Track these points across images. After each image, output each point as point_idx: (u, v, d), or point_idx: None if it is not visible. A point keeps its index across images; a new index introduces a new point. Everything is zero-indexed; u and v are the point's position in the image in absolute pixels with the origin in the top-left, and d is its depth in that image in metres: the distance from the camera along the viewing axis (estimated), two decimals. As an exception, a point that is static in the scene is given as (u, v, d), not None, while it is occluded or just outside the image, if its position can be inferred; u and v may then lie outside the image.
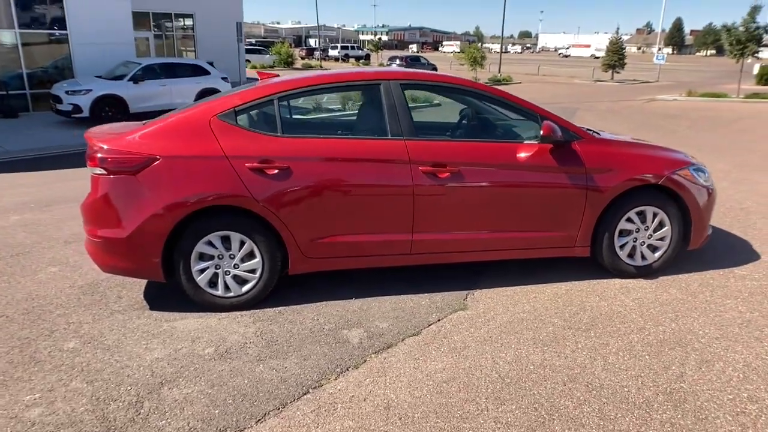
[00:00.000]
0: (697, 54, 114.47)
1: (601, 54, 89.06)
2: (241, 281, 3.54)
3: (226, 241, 3.44)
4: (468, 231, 3.68)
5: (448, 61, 46.42)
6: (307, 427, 2.42)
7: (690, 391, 2.64)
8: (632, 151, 3.89)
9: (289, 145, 3.44)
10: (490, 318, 3.42)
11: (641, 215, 3.85)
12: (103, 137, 3.47)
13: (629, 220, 3.84)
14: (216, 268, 3.48)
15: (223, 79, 14.52)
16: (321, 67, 42.09)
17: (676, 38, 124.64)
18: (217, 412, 2.54)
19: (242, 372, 2.85)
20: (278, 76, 4.27)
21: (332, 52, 55.38)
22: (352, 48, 57.95)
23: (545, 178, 3.67)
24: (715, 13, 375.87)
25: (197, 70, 14.24)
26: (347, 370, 2.87)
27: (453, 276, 3.99)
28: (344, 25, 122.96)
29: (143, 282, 3.98)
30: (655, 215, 3.86)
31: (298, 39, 65.30)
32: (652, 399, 2.59)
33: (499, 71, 34.29)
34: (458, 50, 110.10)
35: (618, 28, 39.32)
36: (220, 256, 3.46)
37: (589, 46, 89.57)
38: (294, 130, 3.67)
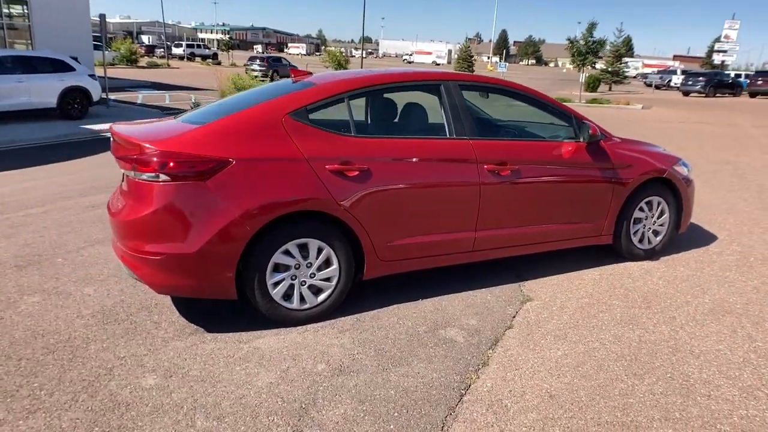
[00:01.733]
0: (521, 63, 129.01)
1: (442, 61, 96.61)
2: (316, 291, 3.34)
3: (303, 249, 3.22)
4: (520, 226, 3.89)
5: (301, 63, 46.26)
6: (496, 427, 2.42)
7: (765, 348, 3.17)
8: (643, 149, 4.44)
9: (365, 146, 3.34)
10: (561, 306, 3.67)
11: (649, 204, 4.43)
12: (152, 137, 3.03)
13: (641, 209, 4.39)
14: (292, 279, 3.23)
15: (91, 76, 12.91)
16: (168, 66, 39.21)
17: (502, 48, 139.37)
18: (392, 426, 2.41)
19: (379, 383, 2.72)
20: (312, 74, 4.07)
21: (176, 51, 51.85)
22: (199, 47, 54.93)
23: (583, 174, 4.03)
24: (533, 26, 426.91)
25: (59, 66, 12.44)
26: (480, 367, 2.90)
27: (490, 271, 4.17)
28: (180, 22, 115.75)
29: (164, 303, 3.53)
30: (658, 204, 4.46)
31: (129, 35, 59.90)
32: (748, 358, 3.05)
33: (362, 75, 35.26)
34: (304, 53, 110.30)
35: (468, 37, 42.83)
36: (297, 266, 3.22)
37: (430, 53, 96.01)
38: (364, 130, 3.55)
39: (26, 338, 3.08)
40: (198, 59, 51.36)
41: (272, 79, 16.31)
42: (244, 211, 2.97)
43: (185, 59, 50.44)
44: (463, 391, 2.68)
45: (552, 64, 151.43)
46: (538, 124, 4.48)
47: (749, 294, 3.93)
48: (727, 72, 39.59)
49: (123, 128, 3.34)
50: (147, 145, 2.93)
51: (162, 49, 49.42)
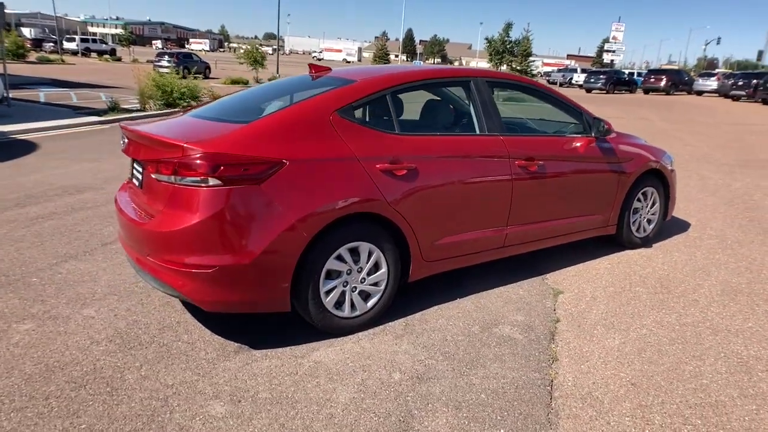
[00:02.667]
0: (428, 62, 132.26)
1: (353, 59, 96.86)
2: (365, 297, 3.19)
3: (354, 253, 3.07)
4: (544, 220, 3.96)
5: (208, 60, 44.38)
6: (600, 420, 2.44)
7: (778, 323, 3.46)
8: (637, 143, 4.68)
9: (411, 143, 3.24)
10: (593, 296, 3.78)
11: (644, 195, 4.69)
12: (193, 138, 2.74)
13: (638, 199, 4.64)
14: (344, 286, 3.07)
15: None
16: (63, 61, 36.01)
17: (409, 47, 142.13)
18: (503, 431, 2.35)
19: (464, 387, 2.65)
20: (331, 69, 3.88)
21: (69, 45, 47.68)
22: (94, 41, 50.93)
23: (596, 167, 4.19)
24: (438, 26, 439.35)
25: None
26: (551, 362, 2.91)
27: (505, 267, 4.21)
28: (67, 15, 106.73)
29: (186, 321, 3.23)
30: (652, 194, 4.74)
31: (8, 27, 54.23)
32: (770, 333, 3.31)
33: (277, 71, 34.48)
34: (207, 48, 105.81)
35: (376, 36, 43.11)
36: (349, 272, 3.06)
37: (341, 50, 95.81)
38: (406, 127, 3.43)
39: (42, 372, 2.68)
40: (94, 55, 47.65)
41: (184, 77, 15.34)
42: (300, 216, 2.76)
43: (80, 54, 46.56)
44: (549, 388, 2.67)
45: (457, 63, 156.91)
46: (538, 118, 4.59)
47: (745, 274, 4.28)
48: (623, 70, 43.11)
49: (149, 128, 3.00)
50: (191, 147, 2.63)
51: (52, 44, 45.25)
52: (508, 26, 23.75)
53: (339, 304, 3.07)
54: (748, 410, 2.54)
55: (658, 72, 36.62)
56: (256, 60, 31.39)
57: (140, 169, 3.08)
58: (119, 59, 44.20)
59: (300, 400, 2.51)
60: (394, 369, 2.79)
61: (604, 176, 4.24)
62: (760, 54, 51.87)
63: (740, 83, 29.57)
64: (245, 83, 25.34)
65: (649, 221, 4.83)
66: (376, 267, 3.16)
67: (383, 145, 3.11)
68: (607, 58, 55.31)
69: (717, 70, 41.93)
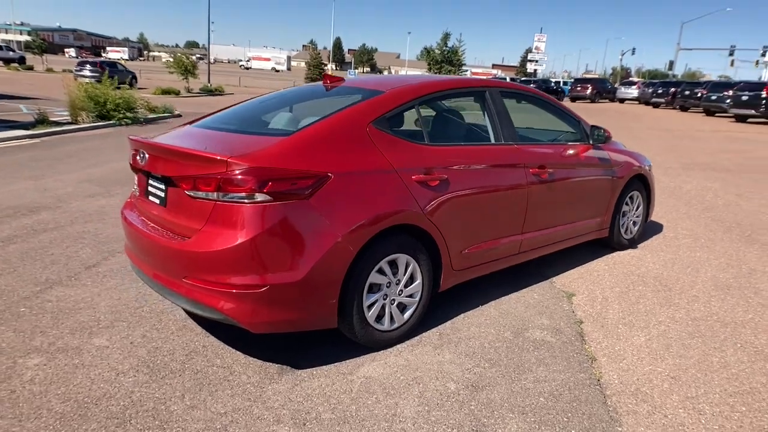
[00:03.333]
0: (357, 71, 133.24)
1: (282, 68, 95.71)
2: (402, 309, 3.20)
3: (393, 266, 3.08)
4: (552, 226, 4.13)
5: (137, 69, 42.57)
6: (658, 413, 2.57)
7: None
8: (625, 149, 4.98)
9: (441, 153, 3.30)
10: (604, 297, 3.97)
11: (631, 198, 4.99)
12: (233, 151, 2.65)
13: (626, 203, 4.93)
14: (383, 299, 3.07)
15: None
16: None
17: (338, 56, 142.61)
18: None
19: (521, 392, 2.71)
20: (344, 79, 3.87)
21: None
22: (0, 48, 47.42)
23: (594, 173, 4.42)
24: (366, 35, 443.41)
25: None
26: (592, 363, 3.03)
27: (510, 273, 4.34)
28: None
29: (212, 344, 3.12)
30: (637, 198, 5.05)
31: None
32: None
33: (209, 81, 33.61)
34: (126, 57, 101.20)
35: (314, 42, 43.01)
36: (389, 284, 3.07)
37: (269, 59, 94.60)
38: (433, 138, 3.47)
39: (75, 410, 2.49)
40: (0, 63, 44.37)
41: (118, 87, 14.58)
42: (347, 230, 2.75)
43: (-18, 63, 43.20)
44: (598, 387, 2.79)
45: (386, 72, 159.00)
46: (538, 128, 4.78)
47: (728, 269, 4.65)
48: (551, 79, 45.36)
49: (175, 141, 2.89)
50: (237, 161, 2.55)
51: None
52: (446, 36, 24.50)
53: (379, 317, 3.07)
54: (780, 395, 2.77)
55: (584, 81, 38.92)
56: (187, 69, 30.45)
57: (161, 186, 2.94)
58: (30, 68, 41.39)
59: (366, 418, 2.48)
60: (447, 379, 2.82)
61: (601, 181, 4.48)
62: (671, 64, 56.32)
63: (660, 91, 31.99)
64: (177, 93, 24.50)
65: (634, 223, 5.14)
66: (411, 278, 3.17)
67: (416, 155, 3.15)
68: (530, 67, 57.91)
69: (636, 79, 45.04)
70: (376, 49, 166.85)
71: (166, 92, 23.98)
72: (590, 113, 25.68)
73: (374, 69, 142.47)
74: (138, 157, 3.05)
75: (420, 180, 3.09)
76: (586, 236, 4.57)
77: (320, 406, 2.57)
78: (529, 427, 2.45)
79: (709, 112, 26.56)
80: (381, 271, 2.99)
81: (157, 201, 2.99)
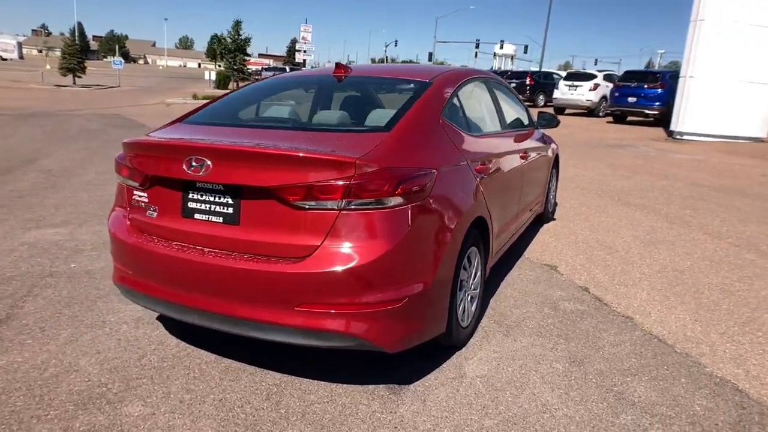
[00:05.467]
0: (105, 59, 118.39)
1: (12, 56, 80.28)
2: (471, 302, 3.21)
3: (468, 260, 3.07)
4: (530, 205, 4.53)
5: None
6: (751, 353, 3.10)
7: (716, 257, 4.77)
8: (546, 133, 5.60)
9: (481, 142, 3.39)
10: (581, 264, 4.48)
11: (552, 175, 5.66)
12: (356, 152, 2.36)
13: (550, 180, 5.58)
14: (464, 295, 3.05)
15: None
16: None
17: (81, 42, 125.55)
18: (698, 409, 2.69)
19: (614, 358, 2.98)
20: (350, 68, 3.61)
21: None
22: None
23: (543, 154, 4.92)
24: (114, 21, 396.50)
25: None
26: (631, 321, 3.46)
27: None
28: None
29: (276, 383, 2.79)
30: (555, 175, 5.75)
31: None
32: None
33: None
34: None
35: (45, 26, 37.45)
36: (467, 279, 3.06)
37: (-8, 46, 78.88)
38: (471, 127, 3.45)
39: None
40: None
41: None
42: (453, 226, 2.68)
43: None
44: (659, 339, 3.22)
45: (141, 61, 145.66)
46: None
47: (638, 228, 5.64)
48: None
49: (267, 143, 2.43)
50: (367, 163, 2.29)
51: None
52: (238, 24, 23.46)
53: (459, 314, 3.04)
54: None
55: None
56: None
57: (226, 199, 2.45)
58: None
59: (521, 415, 2.48)
60: (546, 361, 2.93)
61: (544, 161, 5.02)
62: (430, 55, 63.10)
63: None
64: None
65: (553, 197, 5.85)
66: (475, 270, 3.20)
67: (471, 145, 3.18)
68: (299, 57, 58.95)
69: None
70: (127, 36, 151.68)
71: None
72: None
73: (127, 58, 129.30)
74: (198, 165, 2.45)
75: (479, 170, 3.13)
76: (537, 212, 5.08)
77: (471, 415, 2.47)
78: (650, 385, 2.73)
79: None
80: (464, 267, 2.97)
81: (219, 219, 2.47)
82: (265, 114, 3.33)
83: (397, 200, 2.33)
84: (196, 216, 2.52)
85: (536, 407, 2.53)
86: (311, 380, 2.71)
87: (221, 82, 31.21)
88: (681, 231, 5.61)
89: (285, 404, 2.52)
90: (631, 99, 18.88)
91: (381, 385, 2.68)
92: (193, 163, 2.41)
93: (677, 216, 6.25)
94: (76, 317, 3.26)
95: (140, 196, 2.70)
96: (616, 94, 19.52)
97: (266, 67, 60.43)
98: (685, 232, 5.56)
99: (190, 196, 2.53)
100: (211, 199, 2.48)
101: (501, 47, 65.77)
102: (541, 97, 25.73)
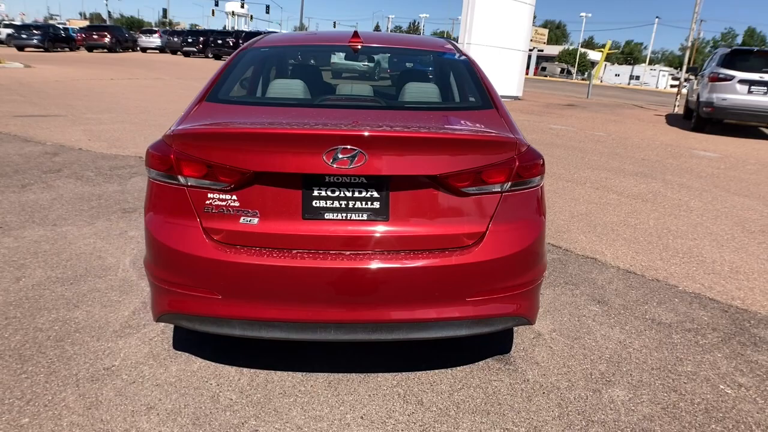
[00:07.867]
0: None
1: None
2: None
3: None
4: None
5: None
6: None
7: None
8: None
9: None
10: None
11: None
12: (507, 133, 2.42)
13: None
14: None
15: None
16: None
17: None
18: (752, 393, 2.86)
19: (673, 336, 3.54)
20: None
21: None
22: None
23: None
24: None
25: None
26: (660, 281, 4.17)
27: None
28: None
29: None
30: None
31: None
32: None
33: None
34: None
35: None
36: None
37: None
38: None
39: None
40: None
41: None
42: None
43: None
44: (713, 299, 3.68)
45: None
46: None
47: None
48: (59, 25, 39.85)
49: (416, 125, 2.29)
50: (522, 144, 2.36)
51: None
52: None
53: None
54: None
55: (100, 29, 35.99)
56: None
57: (371, 193, 2.25)
58: None
59: (605, 349, 2.92)
60: (608, 345, 2.99)
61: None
62: (165, 12, 57.74)
63: (190, 40, 33.22)
64: None
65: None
66: None
67: None
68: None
69: (156, 28, 44.59)
70: None
71: None
72: (134, 65, 24.69)
73: None
74: (347, 157, 2.15)
75: None
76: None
77: (578, 358, 2.81)
78: (731, 357, 2.96)
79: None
80: None
81: (361, 216, 2.25)
82: (340, 91, 2.95)
83: (538, 179, 2.45)
84: (327, 216, 2.24)
85: (614, 344, 2.98)
86: (424, 372, 2.69)
87: None
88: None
89: (428, 401, 2.49)
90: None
91: (489, 359, 2.81)
92: (339, 155, 2.14)
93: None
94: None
95: (224, 200, 2.25)
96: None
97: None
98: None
99: (316, 193, 2.23)
100: (349, 194, 2.24)
101: (242, 6, 64.14)
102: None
